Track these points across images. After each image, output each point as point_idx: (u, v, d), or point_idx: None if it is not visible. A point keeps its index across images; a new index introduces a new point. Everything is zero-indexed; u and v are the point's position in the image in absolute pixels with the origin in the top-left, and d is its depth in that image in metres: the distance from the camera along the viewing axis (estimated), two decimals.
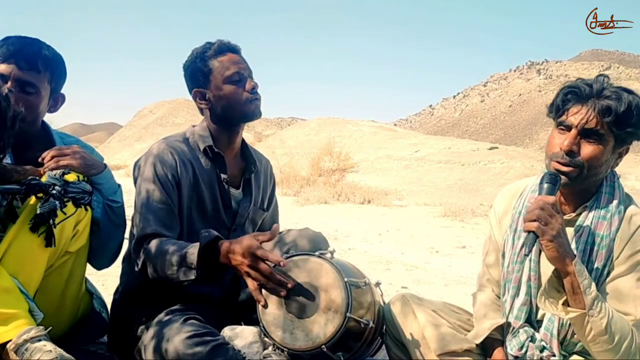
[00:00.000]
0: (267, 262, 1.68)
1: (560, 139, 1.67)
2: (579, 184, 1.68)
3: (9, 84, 1.91)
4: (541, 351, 1.73)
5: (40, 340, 1.54)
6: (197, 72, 2.06)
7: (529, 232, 1.57)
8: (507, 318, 1.82)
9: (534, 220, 1.56)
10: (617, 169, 1.79)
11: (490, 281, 1.96)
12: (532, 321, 1.79)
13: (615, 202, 1.69)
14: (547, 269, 1.70)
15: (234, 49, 2.09)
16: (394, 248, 6.37)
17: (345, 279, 1.69)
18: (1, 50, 1.93)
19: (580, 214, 1.72)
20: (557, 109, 1.71)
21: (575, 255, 1.58)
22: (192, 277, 1.77)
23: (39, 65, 1.96)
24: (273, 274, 1.68)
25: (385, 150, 16.91)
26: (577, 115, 1.64)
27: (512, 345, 1.78)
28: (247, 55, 2.12)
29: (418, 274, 4.98)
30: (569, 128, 1.66)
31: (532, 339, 1.75)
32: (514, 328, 1.79)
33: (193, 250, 1.77)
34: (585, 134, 1.64)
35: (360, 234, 7.32)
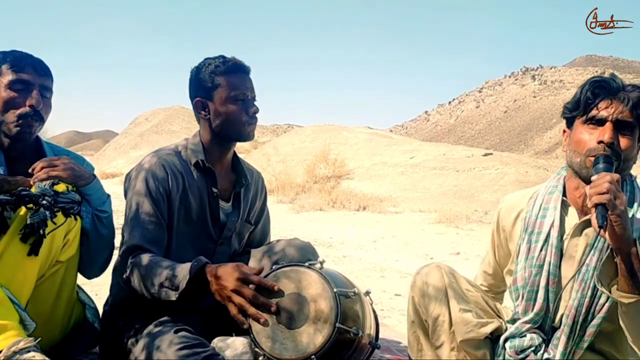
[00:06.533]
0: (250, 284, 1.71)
1: (593, 134, 1.65)
2: None
3: (35, 92, 1.98)
4: None
5: (29, 351, 1.54)
6: (204, 82, 2.07)
7: (597, 205, 1.48)
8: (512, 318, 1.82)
9: (604, 193, 1.47)
10: None
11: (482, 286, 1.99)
12: (545, 326, 1.77)
13: (635, 203, 1.68)
14: (567, 272, 1.70)
15: (246, 70, 2.11)
16: (389, 255, 6.37)
17: (335, 289, 1.69)
18: (10, 61, 1.99)
19: None
20: (587, 104, 1.68)
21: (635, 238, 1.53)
22: (173, 298, 1.79)
23: (49, 71, 2.06)
24: (257, 297, 1.69)
25: (380, 156, 16.92)
26: (609, 108, 1.63)
27: (513, 344, 1.75)
28: (243, 61, 2.13)
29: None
30: (601, 122, 1.64)
31: (536, 350, 1.72)
32: (518, 327, 1.77)
33: (177, 274, 1.78)
34: (620, 126, 1.63)
35: (355, 241, 7.33)
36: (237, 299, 1.69)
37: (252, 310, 1.68)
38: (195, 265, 1.77)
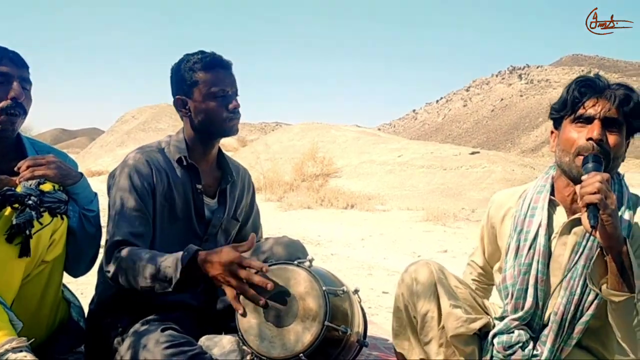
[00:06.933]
0: (248, 268, 1.68)
1: (582, 132, 1.65)
2: None
3: (15, 83, 1.94)
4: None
5: (21, 351, 1.54)
6: (183, 80, 2.04)
7: (588, 205, 1.48)
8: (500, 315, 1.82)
9: (595, 193, 1.46)
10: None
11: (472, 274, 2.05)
12: (534, 324, 1.77)
13: (624, 201, 1.69)
14: (556, 270, 1.71)
15: (225, 65, 2.07)
16: (377, 253, 6.39)
17: (323, 288, 1.70)
18: None
19: None
20: (574, 103, 1.69)
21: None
22: (169, 289, 1.75)
23: (26, 63, 2.01)
24: (252, 277, 1.66)
25: (368, 155, 16.95)
26: (596, 106, 1.64)
27: (501, 340, 1.76)
28: (231, 59, 2.11)
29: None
30: (589, 120, 1.65)
31: (523, 347, 1.73)
32: (507, 323, 1.77)
33: (168, 264, 1.74)
34: (608, 124, 1.63)
35: (343, 239, 7.34)
36: (235, 282, 1.66)
37: (250, 292, 1.66)
38: (186, 255, 1.73)
